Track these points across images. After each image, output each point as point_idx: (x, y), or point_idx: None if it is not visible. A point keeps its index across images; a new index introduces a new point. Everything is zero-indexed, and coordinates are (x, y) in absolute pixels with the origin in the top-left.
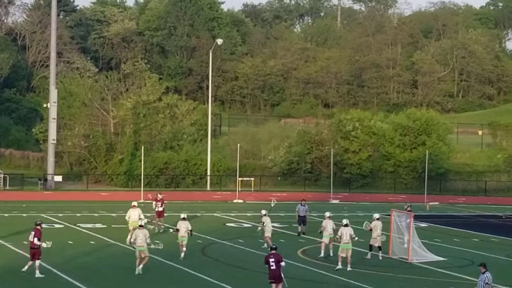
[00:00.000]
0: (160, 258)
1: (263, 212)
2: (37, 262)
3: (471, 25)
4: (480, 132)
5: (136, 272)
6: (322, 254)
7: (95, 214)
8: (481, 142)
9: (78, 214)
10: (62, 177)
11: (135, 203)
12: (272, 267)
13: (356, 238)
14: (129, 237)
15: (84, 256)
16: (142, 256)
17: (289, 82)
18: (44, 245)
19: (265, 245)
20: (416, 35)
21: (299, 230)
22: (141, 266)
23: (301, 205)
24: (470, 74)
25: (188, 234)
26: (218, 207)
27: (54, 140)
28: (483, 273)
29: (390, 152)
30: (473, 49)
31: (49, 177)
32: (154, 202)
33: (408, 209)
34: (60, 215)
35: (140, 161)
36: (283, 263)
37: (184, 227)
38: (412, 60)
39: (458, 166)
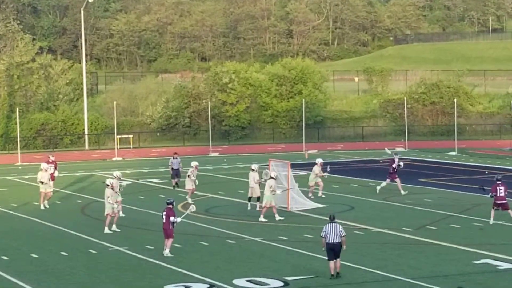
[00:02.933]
0: (40, 220)
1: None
2: None
3: None
4: (356, 79)
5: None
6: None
7: None
8: (357, 88)
9: None
10: None
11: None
12: (163, 220)
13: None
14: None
15: None
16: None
17: (165, 37)
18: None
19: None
20: None
21: (173, 183)
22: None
23: (174, 158)
24: (344, 21)
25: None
26: (97, 166)
27: None
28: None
29: (268, 103)
30: None
31: None
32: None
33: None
34: None
35: (16, 123)
36: (172, 218)
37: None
38: (287, 10)
39: (335, 113)
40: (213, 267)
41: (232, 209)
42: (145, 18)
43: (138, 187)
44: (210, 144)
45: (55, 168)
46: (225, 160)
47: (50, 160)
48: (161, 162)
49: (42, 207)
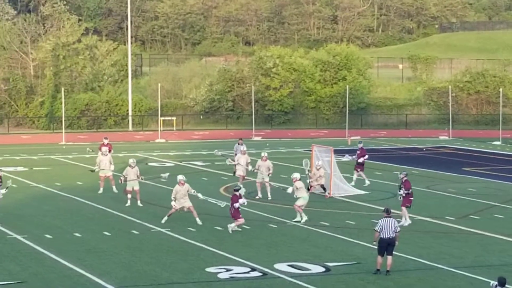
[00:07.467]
0: (83, 200)
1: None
2: None
3: None
4: (400, 66)
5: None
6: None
7: (17, 157)
8: (402, 75)
9: None
10: None
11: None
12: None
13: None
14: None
15: (5, 200)
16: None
17: (210, 21)
18: (2, 191)
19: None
20: None
21: (235, 169)
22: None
23: (239, 144)
24: (390, 8)
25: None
26: (140, 147)
27: None
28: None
29: (311, 88)
30: None
31: None
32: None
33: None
34: None
35: (61, 103)
36: (236, 204)
37: (133, 172)
38: None
39: (379, 100)
40: (255, 251)
41: (274, 194)
42: (190, 1)
43: (181, 170)
44: (253, 128)
45: (110, 150)
46: (267, 144)
47: (105, 143)
48: (204, 145)
49: (101, 191)
